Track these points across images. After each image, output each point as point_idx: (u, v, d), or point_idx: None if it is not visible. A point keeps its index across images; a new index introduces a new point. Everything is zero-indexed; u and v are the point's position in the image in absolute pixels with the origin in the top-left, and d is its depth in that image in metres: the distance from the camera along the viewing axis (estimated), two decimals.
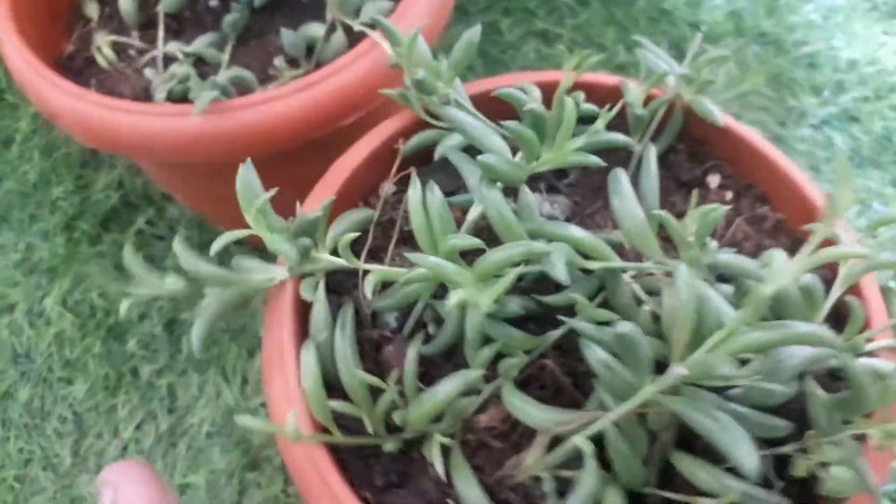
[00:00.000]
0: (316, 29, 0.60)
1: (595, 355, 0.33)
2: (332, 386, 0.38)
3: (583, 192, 0.48)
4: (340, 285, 0.44)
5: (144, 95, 0.60)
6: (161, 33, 0.62)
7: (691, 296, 0.31)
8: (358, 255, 0.42)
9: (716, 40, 0.92)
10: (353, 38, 0.60)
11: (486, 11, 0.96)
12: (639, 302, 0.38)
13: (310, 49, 0.61)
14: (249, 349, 0.76)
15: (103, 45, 0.63)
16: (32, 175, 0.87)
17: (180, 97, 0.58)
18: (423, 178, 0.38)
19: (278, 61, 0.61)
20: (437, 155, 0.47)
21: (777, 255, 0.38)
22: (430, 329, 0.41)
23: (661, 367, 0.32)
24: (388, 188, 0.48)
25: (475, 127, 0.43)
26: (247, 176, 0.39)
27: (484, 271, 0.34)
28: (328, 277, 0.42)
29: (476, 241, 0.34)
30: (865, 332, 0.39)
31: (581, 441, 0.33)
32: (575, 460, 0.34)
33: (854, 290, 0.41)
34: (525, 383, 0.40)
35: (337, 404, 0.37)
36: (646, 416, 0.35)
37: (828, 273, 0.42)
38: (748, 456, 0.29)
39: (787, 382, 0.33)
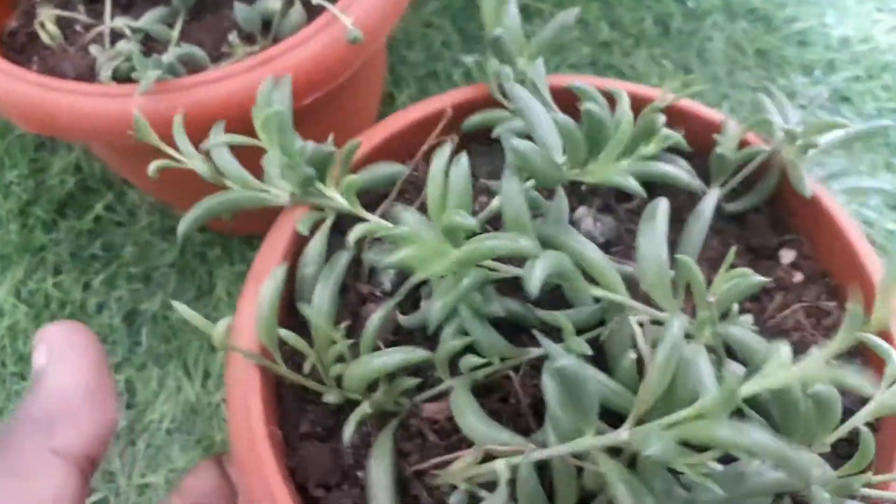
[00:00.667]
0: (272, 3, 0.57)
1: (550, 386, 0.30)
2: (303, 326, 0.37)
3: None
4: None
5: (89, 74, 0.56)
6: (108, 8, 0.58)
7: (673, 356, 0.27)
8: (375, 208, 0.40)
9: (702, 17, 0.89)
10: (312, 11, 0.56)
11: None
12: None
13: (266, 24, 0.57)
14: (211, 343, 0.72)
15: (47, 20, 0.58)
16: None
17: (126, 77, 0.54)
18: (471, 155, 0.36)
19: (232, 37, 0.57)
20: (493, 135, 0.44)
21: (783, 350, 0.34)
22: (423, 304, 0.39)
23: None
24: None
25: (536, 113, 0.39)
26: (267, 86, 0.39)
27: (465, 254, 0.31)
28: (342, 222, 0.41)
29: (472, 224, 0.31)
30: (873, 473, 0.32)
31: (500, 466, 0.30)
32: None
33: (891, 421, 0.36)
34: (489, 389, 0.38)
35: (285, 332, 0.35)
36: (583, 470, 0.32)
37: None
38: None
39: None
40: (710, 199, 0.42)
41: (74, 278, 0.76)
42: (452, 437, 0.36)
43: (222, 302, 0.74)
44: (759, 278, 0.32)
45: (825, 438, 0.32)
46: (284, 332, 0.35)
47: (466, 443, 0.35)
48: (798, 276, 0.44)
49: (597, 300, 0.36)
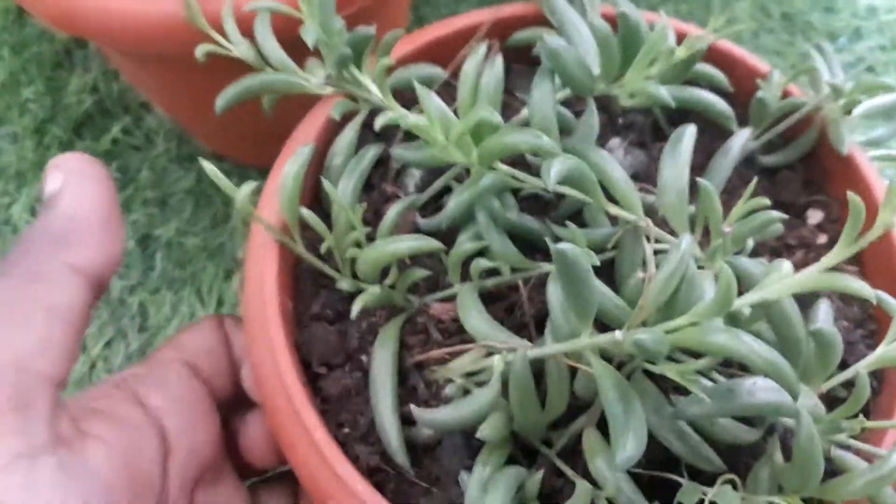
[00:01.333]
0: None
1: (553, 291, 0.30)
2: (328, 217, 0.39)
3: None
4: (389, 131, 0.43)
5: None
6: None
7: (677, 271, 0.28)
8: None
9: None
10: None
11: None
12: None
13: None
14: (227, 270, 0.73)
15: None
16: (1, 74, 0.83)
17: None
18: (513, 74, 0.37)
19: None
20: (534, 52, 0.44)
21: (784, 265, 0.34)
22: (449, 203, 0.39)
23: None
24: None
25: (575, 25, 0.39)
26: None
27: (488, 146, 0.32)
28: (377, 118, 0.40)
29: (499, 121, 0.31)
30: (866, 419, 0.32)
31: (496, 360, 0.31)
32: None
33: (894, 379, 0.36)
34: (497, 298, 0.39)
35: (306, 212, 0.36)
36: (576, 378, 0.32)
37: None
38: (628, 446, 0.26)
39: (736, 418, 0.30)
40: (741, 137, 0.41)
41: None
42: (455, 338, 0.37)
43: (237, 231, 0.75)
44: (776, 214, 0.32)
45: (823, 381, 0.33)
46: (306, 212, 0.36)
47: (468, 344, 0.36)
48: (822, 238, 0.43)
49: (615, 224, 0.37)
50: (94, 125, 0.80)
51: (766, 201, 0.31)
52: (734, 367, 0.35)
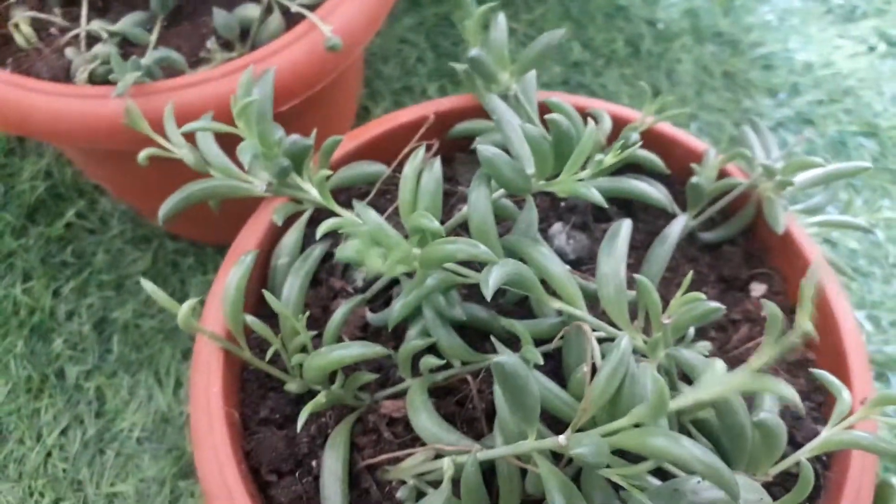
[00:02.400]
0: (251, 10, 0.58)
1: (498, 395, 0.31)
2: (275, 317, 0.38)
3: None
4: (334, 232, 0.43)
5: (65, 77, 0.57)
6: (85, 10, 0.59)
7: (619, 370, 0.28)
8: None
9: (671, 39, 0.91)
10: (291, 20, 0.57)
11: (438, 2, 0.94)
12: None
13: (245, 31, 0.58)
14: (184, 351, 0.72)
15: (21, 21, 0.59)
16: None
17: (103, 80, 0.54)
18: (455, 164, 0.37)
19: (210, 43, 0.58)
20: (473, 146, 0.45)
21: (718, 364, 0.34)
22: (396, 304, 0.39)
23: None
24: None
25: (512, 126, 0.40)
26: (247, 77, 0.40)
27: (425, 254, 0.32)
28: (322, 217, 0.40)
29: (438, 227, 0.32)
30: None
31: (446, 462, 0.31)
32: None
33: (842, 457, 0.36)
34: (448, 392, 0.39)
35: (251, 318, 0.36)
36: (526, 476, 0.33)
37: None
38: None
39: None
40: (678, 223, 0.42)
41: (44, 285, 0.75)
42: (407, 437, 0.37)
43: (195, 310, 0.74)
44: (714, 304, 0.33)
45: (769, 467, 0.33)
46: (250, 319, 0.36)
47: (420, 442, 0.36)
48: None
49: (560, 315, 0.37)
50: (47, 210, 0.80)
51: (702, 296, 0.32)
52: None
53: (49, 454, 0.67)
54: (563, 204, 0.46)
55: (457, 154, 0.48)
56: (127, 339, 0.73)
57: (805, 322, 0.24)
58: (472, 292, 0.41)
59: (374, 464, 0.36)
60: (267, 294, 0.35)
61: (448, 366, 0.38)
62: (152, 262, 0.77)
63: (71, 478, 0.67)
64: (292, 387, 0.38)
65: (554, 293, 0.35)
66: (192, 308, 0.34)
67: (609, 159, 0.32)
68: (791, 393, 0.25)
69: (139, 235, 0.79)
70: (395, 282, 0.42)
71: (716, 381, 0.27)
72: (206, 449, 0.35)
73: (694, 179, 0.42)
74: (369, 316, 0.40)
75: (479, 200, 0.35)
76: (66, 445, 0.67)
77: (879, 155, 0.84)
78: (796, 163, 0.41)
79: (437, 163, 0.36)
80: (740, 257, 0.46)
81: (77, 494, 0.66)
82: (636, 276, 0.33)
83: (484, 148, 0.34)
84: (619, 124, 0.45)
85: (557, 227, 0.43)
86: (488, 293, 0.30)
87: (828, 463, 0.39)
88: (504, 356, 0.27)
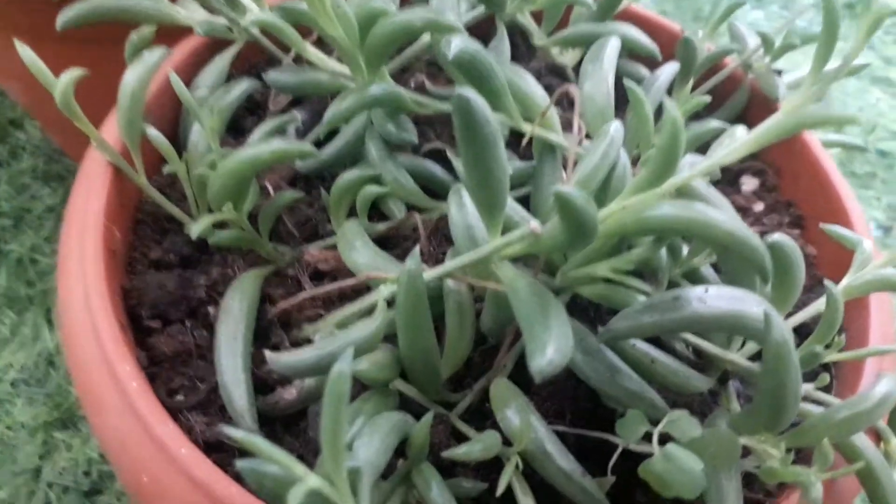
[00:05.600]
0: None
1: (454, 200, 0.25)
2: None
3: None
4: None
5: None
6: None
7: (608, 155, 0.23)
8: None
9: None
10: None
11: None
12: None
13: None
14: None
15: None
16: None
17: None
18: None
19: None
20: None
21: (739, 129, 0.28)
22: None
23: None
24: None
25: None
26: None
27: (377, 33, 0.27)
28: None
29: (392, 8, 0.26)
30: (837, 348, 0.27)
31: (383, 288, 0.25)
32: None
33: (860, 303, 0.31)
34: (387, 246, 0.32)
35: (152, 132, 0.30)
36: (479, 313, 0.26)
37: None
38: (548, 349, 0.19)
39: (672, 334, 0.24)
40: (668, 69, 0.36)
41: None
42: (335, 294, 0.29)
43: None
44: (715, 123, 0.29)
45: (787, 306, 0.26)
46: (152, 131, 0.29)
47: (343, 299, 0.29)
48: (759, 206, 0.39)
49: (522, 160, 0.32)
50: None
51: (707, 98, 0.26)
52: None
53: None
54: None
55: None
56: (19, 273, 0.63)
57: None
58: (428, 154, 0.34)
59: (289, 317, 0.29)
60: (172, 76, 0.28)
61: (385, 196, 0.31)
62: (62, 200, 0.68)
63: None
64: (194, 228, 0.29)
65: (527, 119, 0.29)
66: (74, 81, 0.27)
67: None
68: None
69: (52, 172, 0.70)
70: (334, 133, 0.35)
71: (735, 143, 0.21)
72: (71, 275, 0.27)
73: (686, 35, 0.37)
74: (298, 164, 0.33)
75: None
76: None
77: None
78: (801, 35, 0.37)
79: None
80: None
81: None
82: (627, 82, 0.27)
83: None
84: None
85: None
86: (451, 54, 0.24)
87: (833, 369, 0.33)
88: (465, 89, 0.20)
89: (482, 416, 0.26)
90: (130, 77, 0.30)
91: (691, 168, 0.23)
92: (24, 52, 0.27)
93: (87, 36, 0.39)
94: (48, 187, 0.69)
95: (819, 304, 0.29)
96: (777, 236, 0.25)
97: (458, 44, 0.24)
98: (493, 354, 0.26)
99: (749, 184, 0.39)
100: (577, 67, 0.41)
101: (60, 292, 0.27)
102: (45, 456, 0.55)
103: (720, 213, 0.20)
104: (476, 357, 0.27)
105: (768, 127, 0.21)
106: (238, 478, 0.22)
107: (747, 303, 0.22)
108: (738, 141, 0.20)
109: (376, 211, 0.32)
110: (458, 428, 0.25)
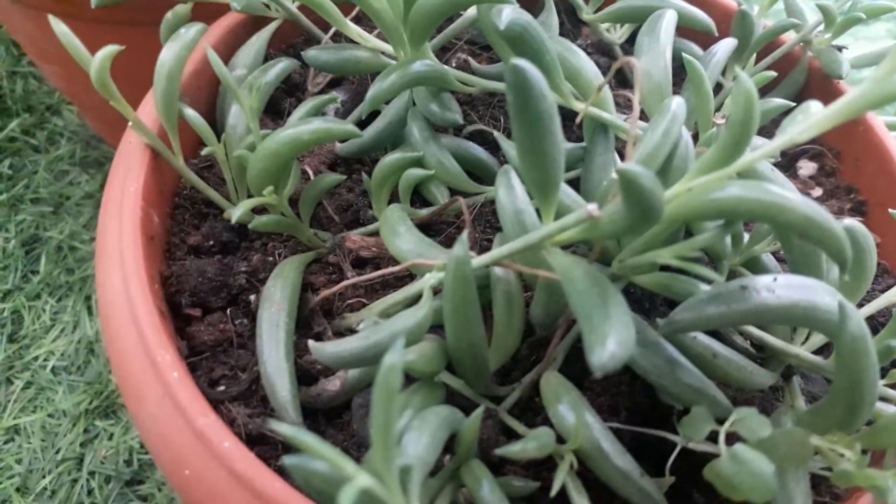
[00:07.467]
0: None
1: (503, 182, 0.24)
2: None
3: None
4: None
5: None
6: None
7: (670, 133, 0.21)
8: None
9: None
10: None
11: None
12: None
13: None
14: None
15: None
16: None
17: None
18: None
19: None
20: None
21: (813, 104, 0.26)
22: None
23: None
24: None
25: None
26: None
27: (420, 8, 0.25)
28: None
29: None
30: None
31: (429, 276, 0.24)
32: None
33: None
34: (431, 233, 0.31)
35: (190, 113, 0.29)
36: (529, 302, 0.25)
37: None
38: (608, 342, 0.17)
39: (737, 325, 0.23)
40: (726, 43, 0.33)
41: None
42: (377, 281, 0.29)
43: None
44: (780, 101, 0.27)
45: (860, 294, 0.25)
46: (190, 112, 0.28)
47: (393, 289, 0.28)
48: (817, 191, 0.37)
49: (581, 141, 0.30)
50: None
51: (772, 73, 0.25)
52: None
53: None
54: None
55: None
56: (58, 260, 0.64)
57: None
58: (469, 137, 0.33)
59: (330, 305, 0.28)
60: (211, 54, 0.27)
61: (427, 180, 0.30)
62: (100, 186, 0.69)
63: None
64: (234, 213, 0.28)
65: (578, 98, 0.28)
66: (110, 58, 0.26)
67: None
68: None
69: (90, 158, 0.71)
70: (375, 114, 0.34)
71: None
72: (110, 260, 0.26)
73: (742, 7, 0.35)
74: (338, 147, 0.32)
75: None
76: None
77: None
78: (865, 7, 0.35)
79: None
80: None
81: None
82: (685, 55, 0.25)
83: None
84: None
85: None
86: (502, 24, 0.23)
87: None
88: (521, 60, 0.19)
89: (531, 412, 0.25)
90: (167, 55, 0.29)
91: (754, 150, 0.22)
92: (59, 27, 0.26)
93: (123, 18, 0.39)
94: (86, 174, 0.70)
95: (888, 296, 0.27)
96: (849, 221, 0.23)
97: (510, 13, 0.23)
98: (540, 346, 0.25)
99: (807, 168, 0.37)
100: (625, 45, 0.39)
101: (99, 279, 0.26)
102: (87, 444, 0.55)
103: (797, 196, 0.18)
104: (523, 349, 0.26)
105: (854, 98, 0.19)
106: (281, 472, 0.22)
107: (819, 293, 0.20)
108: (812, 117, 0.19)
109: (417, 196, 0.32)
110: (507, 423, 0.24)
